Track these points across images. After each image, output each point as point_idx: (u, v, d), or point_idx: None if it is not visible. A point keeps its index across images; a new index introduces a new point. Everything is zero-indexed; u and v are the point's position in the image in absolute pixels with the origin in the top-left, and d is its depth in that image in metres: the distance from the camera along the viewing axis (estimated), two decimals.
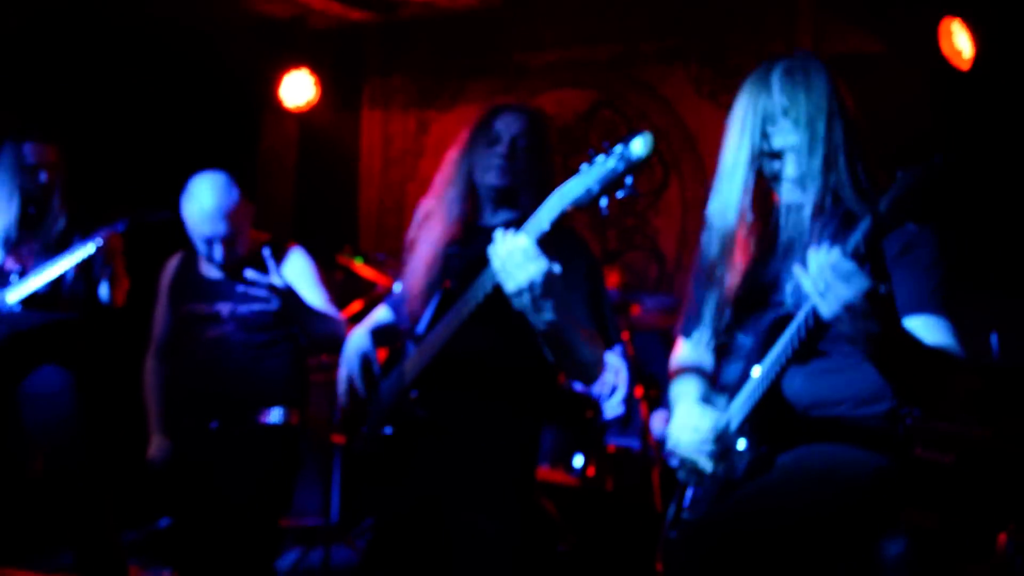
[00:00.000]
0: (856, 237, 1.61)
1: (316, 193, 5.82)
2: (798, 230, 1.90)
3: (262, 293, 2.84)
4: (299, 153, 5.88)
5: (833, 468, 1.81)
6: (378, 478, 2.39)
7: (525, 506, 2.38)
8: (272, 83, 5.38)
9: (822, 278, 1.60)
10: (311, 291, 3.06)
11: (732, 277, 1.98)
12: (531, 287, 1.90)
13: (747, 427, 1.89)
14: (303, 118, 5.68)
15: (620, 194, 1.80)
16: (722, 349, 2.07)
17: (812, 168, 1.86)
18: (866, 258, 1.59)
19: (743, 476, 1.88)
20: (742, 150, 1.92)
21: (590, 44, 5.14)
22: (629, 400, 4.13)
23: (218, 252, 3.00)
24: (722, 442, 1.92)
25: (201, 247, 3.03)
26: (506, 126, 2.33)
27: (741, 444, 1.90)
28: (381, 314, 2.58)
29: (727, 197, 1.95)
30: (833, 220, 1.86)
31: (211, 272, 3.11)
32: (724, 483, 1.92)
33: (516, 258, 1.90)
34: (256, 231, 3.18)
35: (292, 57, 5.37)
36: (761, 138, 1.90)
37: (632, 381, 3.88)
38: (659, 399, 4.11)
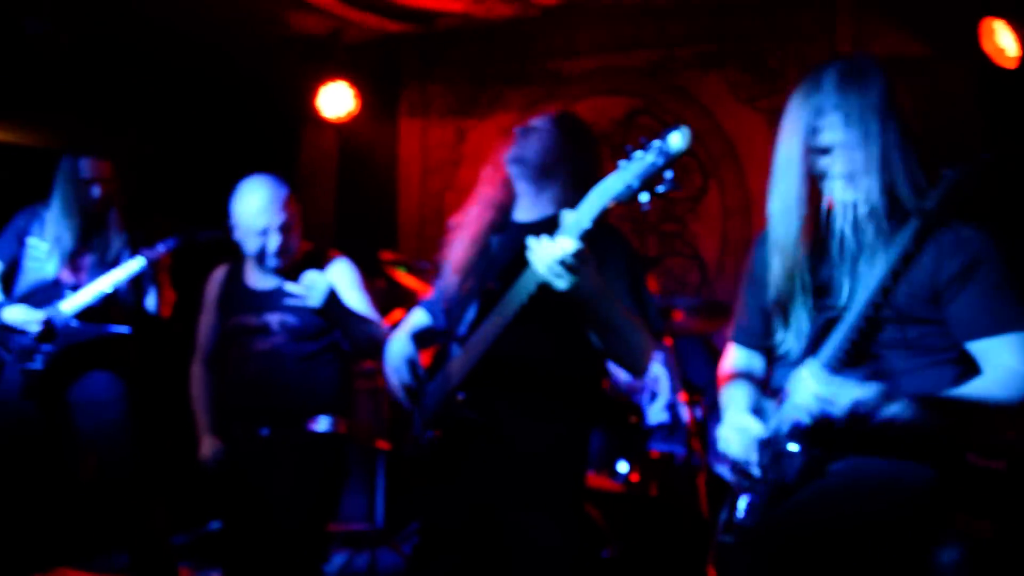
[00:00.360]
0: (903, 241, 1.61)
1: (356, 203, 5.87)
2: (851, 230, 1.89)
3: (304, 296, 2.84)
4: (339, 164, 5.94)
5: (889, 477, 1.81)
6: (428, 481, 2.38)
7: (578, 508, 2.36)
8: (311, 95, 5.44)
9: (818, 403, 1.65)
10: (355, 297, 3.09)
11: (784, 279, 1.97)
12: (563, 257, 1.89)
13: (799, 430, 1.88)
14: (342, 129, 5.74)
15: (660, 189, 1.78)
16: (773, 352, 2.06)
17: (864, 165, 1.85)
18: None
19: (796, 480, 1.87)
20: (793, 147, 1.92)
21: (627, 51, 5.15)
22: (672, 406, 4.13)
23: (274, 241, 3.01)
24: (773, 446, 1.92)
25: (254, 243, 3.04)
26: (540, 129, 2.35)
27: (793, 447, 1.89)
28: (418, 317, 2.57)
29: (785, 197, 1.94)
30: (888, 220, 1.84)
31: (258, 283, 3.15)
32: (777, 488, 1.91)
33: (547, 241, 1.90)
34: (300, 241, 3.22)
35: (331, 69, 5.43)
36: (810, 134, 1.90)
37: (675, 387, 3.87)
38: (702, 404, 4.11)
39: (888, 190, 1.85)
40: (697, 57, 4.97)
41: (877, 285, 1.72)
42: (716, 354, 4.39)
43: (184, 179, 5.23)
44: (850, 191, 1.89)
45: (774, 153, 1.97)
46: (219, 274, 3.28)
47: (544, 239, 1.92)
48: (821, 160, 1.91)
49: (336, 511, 3.34)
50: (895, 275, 1.72)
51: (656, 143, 1.76)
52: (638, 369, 2.21)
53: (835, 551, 1.72)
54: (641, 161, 1.78)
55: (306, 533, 2.99)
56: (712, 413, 3.98)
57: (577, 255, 1.89)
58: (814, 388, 1.62)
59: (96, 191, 3.52)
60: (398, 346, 2.42)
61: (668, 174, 1.76)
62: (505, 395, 2.25)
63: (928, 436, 1.83)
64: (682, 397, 3.73)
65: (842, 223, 1.91)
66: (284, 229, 3.03)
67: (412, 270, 4.53)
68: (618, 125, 5.16)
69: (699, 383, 4.22)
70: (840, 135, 1.87)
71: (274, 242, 3.03)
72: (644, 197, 1.80)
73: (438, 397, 2.32)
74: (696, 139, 5.23)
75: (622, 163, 1.81)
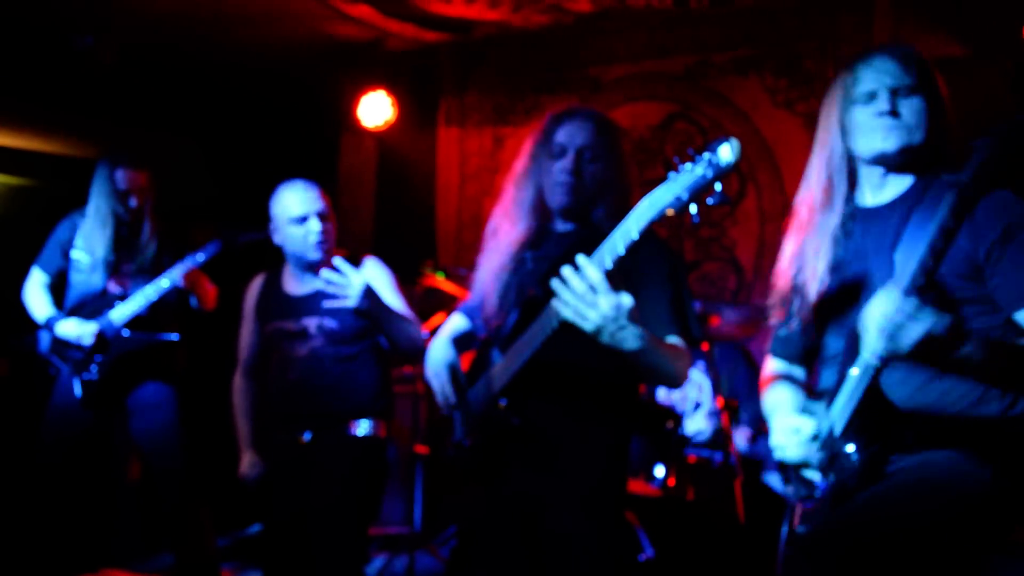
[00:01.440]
0: (940, 215, 1.58)
1: (395, 210, 5.93)
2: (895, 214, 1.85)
3: (344, 298, 2.85)
4: (378, 172, 6.01)
5: (950, 476, 1.76)
6: (469, 487, 2.39)
7: (620, 514, 2.34)
8: (351, 104, 5.52)
9: (888, 320, 1.58)
10: (389, 298, 3.10)
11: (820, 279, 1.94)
12: (605, 322, 1.88)
13: (852, 429, 1.84)
14: (381, 137, 5.81)
15: (711, 201, 1.75)
16: (814, 354, 2.04)
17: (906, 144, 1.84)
18: (927, 288, 1.57)
19: (858, 481, 1.82)
20: (830, 144, 1.91)
21: (663, 57, 5.15)
22: (712, 414, 4.11)
23: (315, 228, 3.04)
24: (829, 447, 1.87)
25: (296, 235, 3.07)
26: (569, 138, 2.25)
27: (850, 447, 1.83)
28: (458, 322, 2.55)
29: (818, 198, 1.93)
30: (924, 211, 1.80)
31: (295, 289, 3.18)
32: (838, 490, 1.86)
33: (587, 297, 1.86)
34: (334, 247, 3.22)
35: (370, 78, 5.50)
36: (844, 133, 1.89)
37: (713, 392, 3.86)
38: (739, 410, 4.08)
39: (923, 181, 1.82)
40: (734, 62, 4.95)
41: (918, 266, 1.66)
42: (753, 360, 4.37)
43: (225, 187, 5.32)
44: (890, 185, 1.87)
45: (813, 150, 1.96)
46: (257, 283, 3.30)
47: (588, 282, 1.87)
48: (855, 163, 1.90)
49: (376, 515, 3.37)
50: (936, 253, 1.66)
51: (706, 155, 1.73)
52: (673, 386, 2.19)
53: (896, 554, 1.68)
54: (691, 173, 1.75)
55: (347, 536, 3.01)
56: (745, 423, 3.95)
57: (618, 316, 1.87)
58: (888, 309, 1.56)
59: (133, 202, 3.60)
60: (439, 351, 2.41)
61: (718, 186, 1.73)
62: (545, 401, 2.24)
63: (988, 432, 1.78)
64: (718, 403, 3.71)
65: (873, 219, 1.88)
66: (323, 217, 3.08)
67: (450, 276, 4.56)
68: (655, 130, 5.16)
69: (736, 389, 4.20)
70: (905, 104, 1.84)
71: (315, 229, 3.05)
72: (693, 209, 1.77)
73: (480, 403, 2.32)
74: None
75: (671, 175, 1.78)
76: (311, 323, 3.09)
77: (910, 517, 1.72)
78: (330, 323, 3.09)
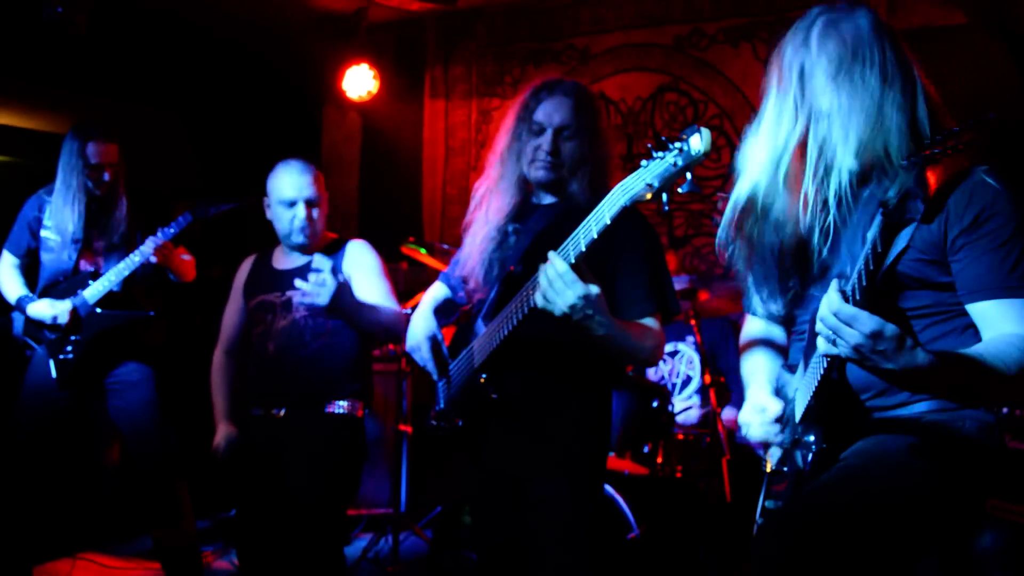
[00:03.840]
0: (870, 239, 1.50)
1: (380, 184, 5.85)
2: (849, 198, 1.74)
3: (315, 295, 2.85)
4: (362, 145, 5.92)
5: (910, 456, 1.70)
6: (451, 459, 2.44)
7: (597, 485, 2.39)
8: (334, 76, 5.41)
9: (824, 324, 1.52)
10: (371, 283, 3.09)
11: (785, 247, 1.86)
12: (572, 311, 1.96)
13: (811, 417, 1.80)
14: (365, 110, 5.71)
15: (682, 189, 1.75)
16: (789, 323, 1.98)
17: (857, 127, 1.71)
18: (868, 293, 1.51)
19: (812, 472, 1.79)
20: (784, 113, 1.78)
21: (653, 27, 5.05)
22: (700, 390, 4.06)
23: (301, 214, 3.05)
24: (790, 431, 1.85)
25: (284, 217, 3.07)
26: (547, 116, 2.31)
27: (808, 437, 1.81)
28: (437, 291, 2.62)
29: (771, 150, 1.80)
30: (883, 183, 1.70)
31: (283, 263, 3.16)
32: (798, 473, 1.84)
33: (556, 285, 1.94)
34: (324, 229, 3.19)
35: (353, 50, 5.40)
36: (801, 97, 1.76)
37: (701, 368, 3.81)
38: (727, 386, 4.03)
39: (884, 150, 1.70)
40: (725, 32, 4.85)
41: (858, 272, 1.56)
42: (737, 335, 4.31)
43: (206, 160, 5.23)
44: (846, 156, 1.73)
45: (760, 116, 1.85)
46: (248, 262, 3.29)
47: (555, 272, 1.94)
48: (817, 126, 1.76)
49: (354, 493, 3.31)
50: (868, 270, 1.55)
51: (677, 144, 1.72)
52: (645, 366, 2.24)
53: (855, 537, 1.63)
54: (662, 162, 1.75)
55: (323, 514, 2.97)
56: (734, 403, 3.90)
57: (585, 306, 1.95)
58: (836, 306, 1.49)
59: (106, 176, 3.49)
60: (420, 323, 2.49)
61: (688, 176, 1.73)
62: (524, 375, 2.29)
63: (954, 422, 1.72)
64: (705, 379, 3.65)
65: (838, 190, 1.75)
66: (310, 204, 3.07)
67: (435, 252, 4.49)
68: (646, 101, 5.06)
69: (729, 364, 4.15)
70: (830, 99, 1.73)
71: (300, 216, 3.05)
72: (665, 197, 1.77)
73: (462, 376, 2.38)
74: (724, 115, 5.11)
75: (643, 162, 1.78)
76: (295, 295, 3.04)
77: (877, 498, 1.66)
78: None
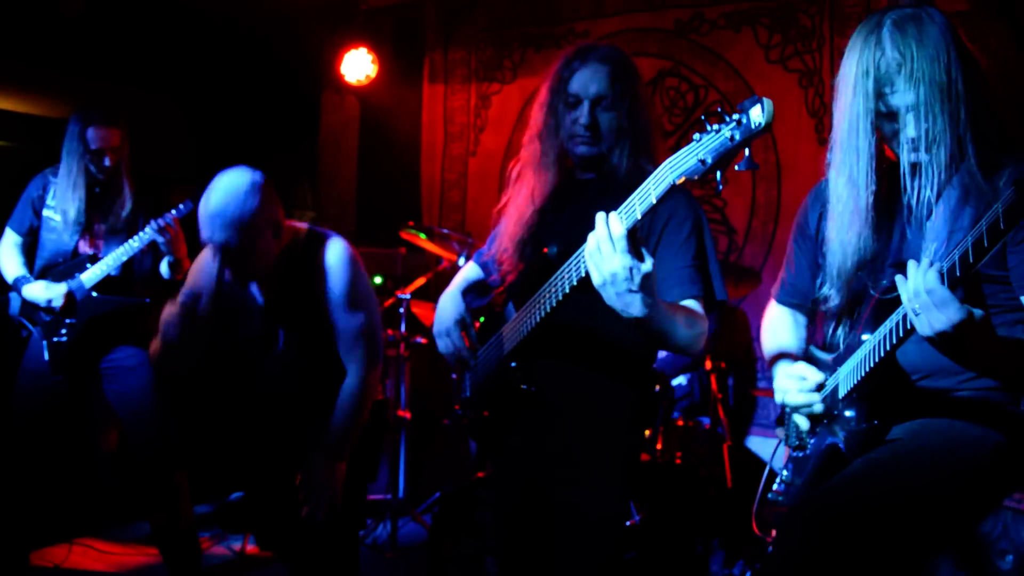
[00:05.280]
0: (966, 244, 1.49)
1: (378, 169, 5.82)
2: (922, 194, 1.76)
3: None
4: (361, 129, 5.88)
5: (951, 446, 1.71)
6: (450, 445, 2.38)
7: (629, 486, 2.24)
8: (333, 61, 5.38)
9: (917, 300, 1.51)
10: (344, 282, 2.73)
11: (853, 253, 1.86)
12: (615, 281, 1.77)
13: (857, 395, 1.79)
14: (364, 94, 5.68)
15: (739, 167, 1.59)
16: (818, 309, 1.99)
17: (933, 126, 1.71)
18: (963, 280, 1.49)
19: (854, 449, 1.78)
20: (858, 115, 1.77)
21: (654, 10, 5.01)
22: (701, 375, 4.05)
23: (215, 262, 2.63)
24: (829, 403, 1.84)
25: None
26: (583, 86, 2.16)
27: (849, 412, 1.80)
28: (470, 271, 2.49)
29: (852, 168, 1.80)
30: (958, 184, 1.72)
31: None
32: (832, 452, 1.83)
33: (605, 248, 1.76)
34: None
35: (352, 34, 5.36)
36: (876, 99, 1.75)
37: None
38: (727, 372, 4.03)
39: (958, 150, 1.71)
40: (726, 16, 4.81)
41: (959, 257, 1.54)
42: (747, 322, 4.29)
43: (204, 145, 5.20)
44: (918, 153, 1.75)
45: (834, 118, 1.84)
46: None
47: (608, 217, 1.77)
48: (891, 125, 1.77)
49: (374, 477, 3.22)
50: (979, 251, 1.52)
51: (735, 116, 1.58)
52: (687, 354, 2.07)
53: (889, 522, 1.63)
54: (717, 136, 1.60)
55: (343, 498, 2.93)
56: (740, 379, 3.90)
57: (629, 279, 1.75)
58: (932, 284, 1.48)
59: (107, 161, 3.47)
60: (449, 305, 2.33)
61: (747, 151, 1.58)
62: (557, 365, 2.16)
63: (994, 402, 1.73)
64: (707, 364, 3.64)
65: (909, 187, 1.77)
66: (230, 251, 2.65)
67: (433, 236, 4.46)
68: (645, 87, 5.02)
69: (729, 345, 4.14)
70: (909, 97, 1.72)
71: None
72: (719, 175, 1.63)
73: (491, 363, 2.25)
74: (725, 100, 5.07)
75: (696, 136, 1.63)
76: None
77: (917, 486, 1.67)
78: None
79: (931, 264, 1.52)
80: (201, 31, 5.09)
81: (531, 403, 2.16)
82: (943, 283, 1.50)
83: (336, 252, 2.71)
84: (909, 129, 1.74)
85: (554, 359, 2.15)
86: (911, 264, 1.54)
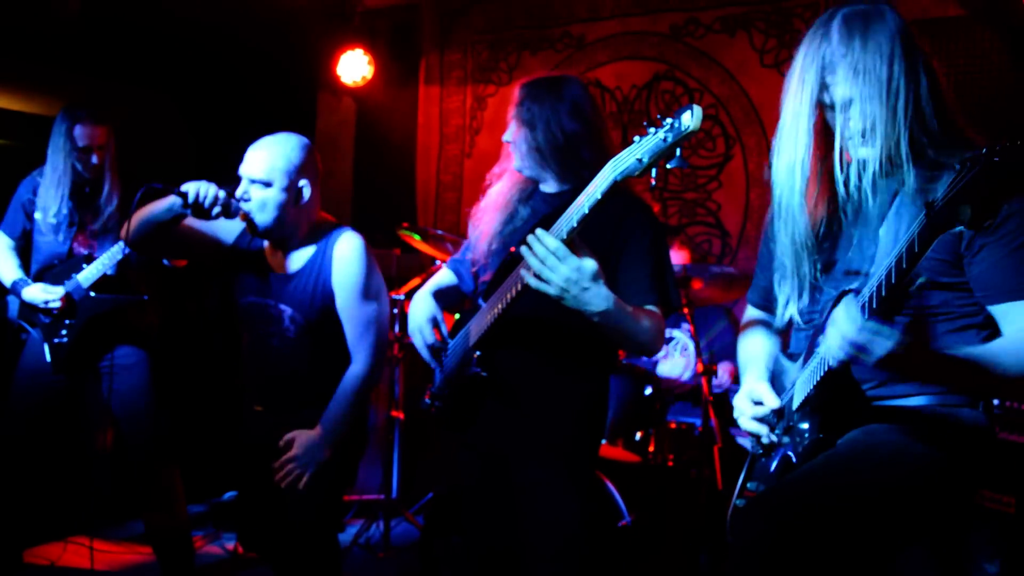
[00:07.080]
0: (906, 238, 1.51)
1: (374, 170, 5.83)
2: (866, 190, 1.77)
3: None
4: (356, 130, 5.89)
5: (903, 448, 1.71)
6: (442, 445, 2.44)
7: (588, 469, 2.39)
8: (328, 62, 5.38)
9: (851, 346, 1.53)
10: (353, 276, 2.74)
11: (790, 245, 1.88)
12: (568, 286, 1.96)
13: (810, 406, 1.81)
14: (360, 96, 5.68)
15: (671, 164, 1.80)
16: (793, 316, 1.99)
17: (876, 120, 1.72)
18: (890, 302, 1.53)
19: (801, 460, 1.80)
20: (802, 104, 1.80)
21: (650, 14, 5.03)
22: (693, 377, 4.07)
23: (239, 190, 2.69)
24: (785, 418, 1.86)
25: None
26: (530, 112, 2.37)
27: (803, 425, 1.82)
28: (443, 276, 2.62)
29: (790, 155, 1.84)
30: (902, 180, 1.73)
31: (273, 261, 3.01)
32: (786, 459, 1.85)
33: (549, 262, 1.94)
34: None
35: (348, 35, 5.36)
36: (820, 89, 1.78)
37: (694, 356, 3.81)
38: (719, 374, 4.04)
39: (905, 146, 1.72)
40: (721, 20, 4.84)
41: (881, 281, 1.58)
42: (732, 323, 4.31)
43: (200, 145, 5.20)
44: (864, 148, 1.76)
45: (781, 109, 1.87)
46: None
47: (541, 235, 1.95)
48: (836, 117, 1.79)
49: (352, 481, 3.27)
50: (900, 271, 1.56)
51: (668, 121, 1.79)
52: (645, 353, 2.26)
53: (840, 525, 1.65)
54: (653, 137, 1.81)
55: (320, 501, 2.95)
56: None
57: (580, 280, 1.95)
58: (849, 330, 1.51)
59: (94, 158, 3.47)
60: (421, 305, 2.49)
61: (677, 151, 1.78)
62: (517, 354, 2.30)
63: (948, 411, 1.74)
64: (698, 367, 3.66)
65: (857, 182, 1.79)
66: (257, 184, 2.71)
67: (428, 237, 4.48)
68: (641, 90, 5.05)
69: (725, 352, 4.16)
70: (852, 89, 1.74)
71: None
72: (653, 172, 1.84)
73: (457, 355, 2.40)
74: (720, 104, 5.09)
75: (636, 138, 1.84)
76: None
77: (867, 487, 1.68)
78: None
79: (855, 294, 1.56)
80: (199, 31, 5.09)
81: (490, 389, 2.32)
82: (864, 316, 1.52)
83: (354, 243, 2.77)
84: (853, 122, 1.76)
85: (512, 348, 2.29)
86: (837, 309, 1.56)
